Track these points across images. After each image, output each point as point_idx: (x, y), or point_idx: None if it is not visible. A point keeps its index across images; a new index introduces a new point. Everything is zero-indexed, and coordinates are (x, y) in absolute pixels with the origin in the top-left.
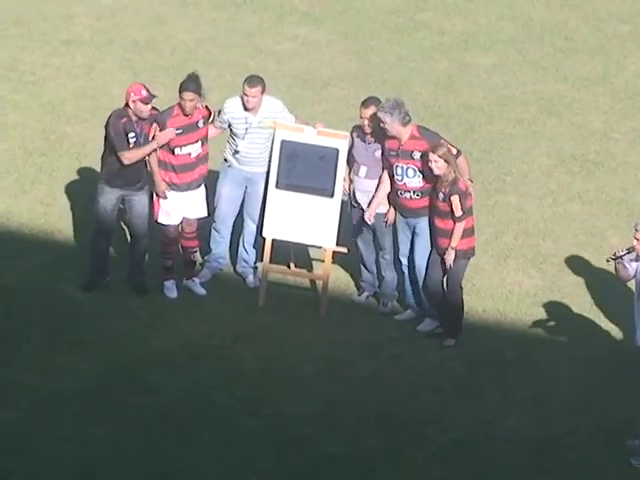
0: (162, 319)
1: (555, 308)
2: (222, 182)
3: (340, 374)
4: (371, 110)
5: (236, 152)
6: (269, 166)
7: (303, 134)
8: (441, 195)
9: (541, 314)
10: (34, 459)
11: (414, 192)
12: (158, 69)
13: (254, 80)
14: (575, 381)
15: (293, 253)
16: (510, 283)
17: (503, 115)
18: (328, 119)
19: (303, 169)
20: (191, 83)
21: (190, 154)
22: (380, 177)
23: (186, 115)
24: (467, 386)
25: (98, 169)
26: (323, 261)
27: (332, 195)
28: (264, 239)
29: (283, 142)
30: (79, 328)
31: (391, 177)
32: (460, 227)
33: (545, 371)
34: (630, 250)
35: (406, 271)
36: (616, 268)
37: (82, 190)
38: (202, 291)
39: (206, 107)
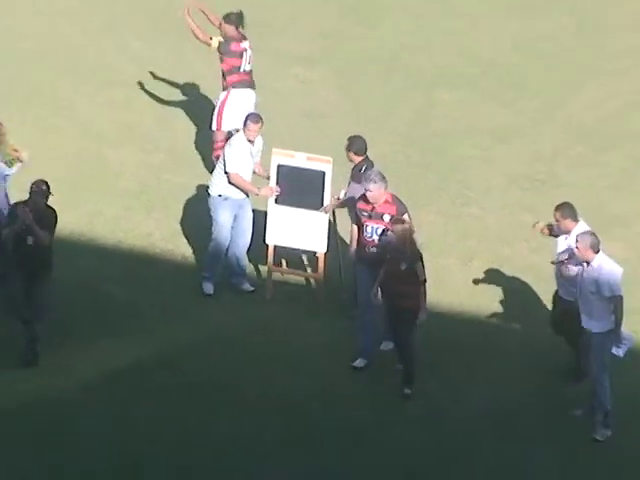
0: (188, 313)
1: (511, 301)
2: (220, 214)
3: (336, 358)
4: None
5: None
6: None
7: (295, 159)
8: (404, 265)
9: (499, 307)
10: (82, 432)
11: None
12: (179, 105)
13: (258, 117)
14: (529, 362)
15: (285, 256)
16: (473, 281)
17: (466, 142)
18: (324, 145)
19: (296, 188)
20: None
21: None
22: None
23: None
24: (436, 367)
25: (135, 185)
26: (315, 263)
27: (320, 208)
28: (267, 246)
29: (279, 166)
30: (120, 320)
31: (360, 233)
32: (424, 287)
33: (503, 354)
34: (571, 256)
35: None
36: (560, 270)
37: (121, 203)
38: None
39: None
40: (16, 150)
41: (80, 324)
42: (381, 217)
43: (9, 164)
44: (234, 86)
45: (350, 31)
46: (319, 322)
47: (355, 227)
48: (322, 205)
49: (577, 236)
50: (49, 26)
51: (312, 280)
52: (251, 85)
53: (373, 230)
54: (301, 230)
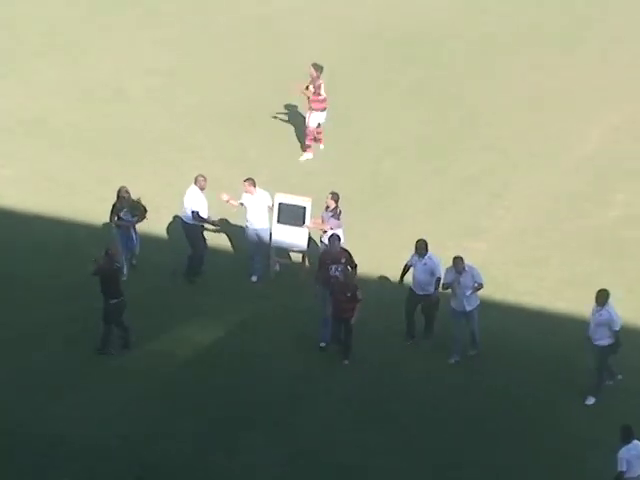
0: (242, 283)
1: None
2: (246, 235)
3: (313, 316)
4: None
5: (247, 220)
6: (268, 223)
7: (289, 198)
8: (349, 294)
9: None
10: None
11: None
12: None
13: (252, 181)
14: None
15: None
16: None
17: (397, 187)
18: (318, 187)
19: (289, 214)
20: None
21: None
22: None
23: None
24: (385, 310)
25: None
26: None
27: (302, 226)
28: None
29: (280, 203)
30: (206, 282)
31: (326, 269)
32: (359, 305)
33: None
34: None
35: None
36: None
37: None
38: None
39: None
40: (138, 201)
41: (182, 288)
42: (339, 260)
43: (132, 214)
44: (316, 108)
45: (333, 130)
46: (300, 292)
47: (319, 272)
48: (304, 224)
49: (466, 266)
50: (163, 120)
51: (298, 264)
52: (324, 108)
53: (335, 269)
54: (292, 236)
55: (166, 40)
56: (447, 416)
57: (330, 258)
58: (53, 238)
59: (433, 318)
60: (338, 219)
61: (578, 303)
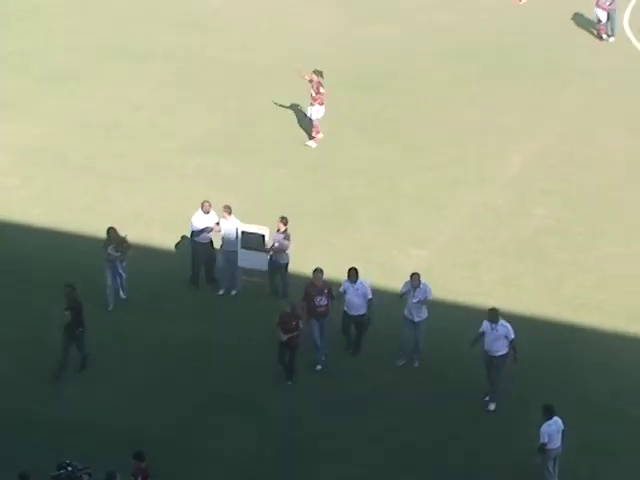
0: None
1: (384, 276)
2: (218, 255)
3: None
4: (281, 224)
5: (221, 241)
6: (235, 246)
7: (249, 227)
8: (294, 323)
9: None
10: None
11: (324, 306)
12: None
13: (228, 208)
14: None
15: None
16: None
17: (353, 205)
18: (287, 202)
19: (251, 240)
20: None
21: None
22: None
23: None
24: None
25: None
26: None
27: (263, 250)
28: (239, 267)
29: (242, 232)
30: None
31: (312, 300)
32: (300, 331)
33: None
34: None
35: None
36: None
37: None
38: None
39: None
40: (123, 239)
41: (174, 292)
42: (323, 291)
43: (116, 249)
44: (321, 102)
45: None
46: (265, 302)
47: (305, 303)
48: (264, 248)
49: (421, 284)
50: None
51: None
52: (322, 103)
53: (320, 298)
54: (254, 259)
55: (149, 79)
56: (398, 402)
57: (315, 290)
58: (54, 248)
59: (363, 335)
60: (288, 240)
61: (507, 301)
